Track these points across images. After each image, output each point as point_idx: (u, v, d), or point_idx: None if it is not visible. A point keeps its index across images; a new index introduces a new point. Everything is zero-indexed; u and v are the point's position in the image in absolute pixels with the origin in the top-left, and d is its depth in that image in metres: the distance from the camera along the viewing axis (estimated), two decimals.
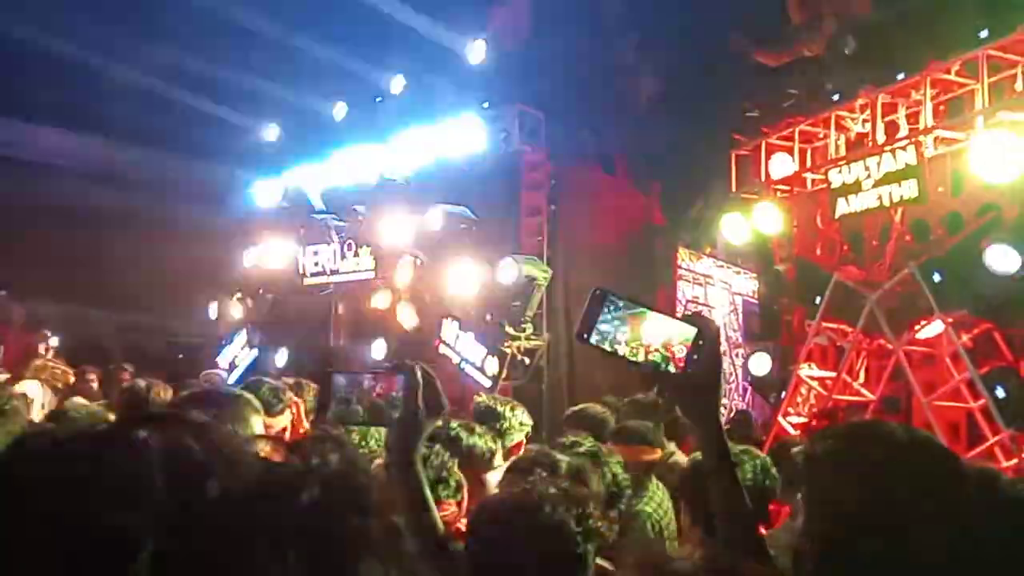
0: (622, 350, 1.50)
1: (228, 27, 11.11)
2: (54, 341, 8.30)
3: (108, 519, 0.63)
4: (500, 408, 3.59)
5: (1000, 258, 5.91)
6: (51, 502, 0.64)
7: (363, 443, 3.49)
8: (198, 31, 11.33)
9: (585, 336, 1.52)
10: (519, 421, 3.58)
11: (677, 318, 1.52)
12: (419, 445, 1.80)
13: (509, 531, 1.67)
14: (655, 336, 1.49)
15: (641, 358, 1.48)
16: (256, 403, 2.02)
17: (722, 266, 11.94)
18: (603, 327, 1.51)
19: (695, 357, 1.47)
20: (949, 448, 1.64)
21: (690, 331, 1.49)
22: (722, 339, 12.03)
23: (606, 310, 1.51)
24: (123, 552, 0.62)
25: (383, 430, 2.67)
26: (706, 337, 1.48)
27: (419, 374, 1.80)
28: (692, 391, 1.50)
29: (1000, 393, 6.16)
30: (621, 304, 1.51)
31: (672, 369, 1.47)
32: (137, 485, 0.65)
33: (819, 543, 1.47)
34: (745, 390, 11.16)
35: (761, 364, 8.32)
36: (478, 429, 3.06)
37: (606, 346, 1.51)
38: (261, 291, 11.13)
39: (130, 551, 0.63)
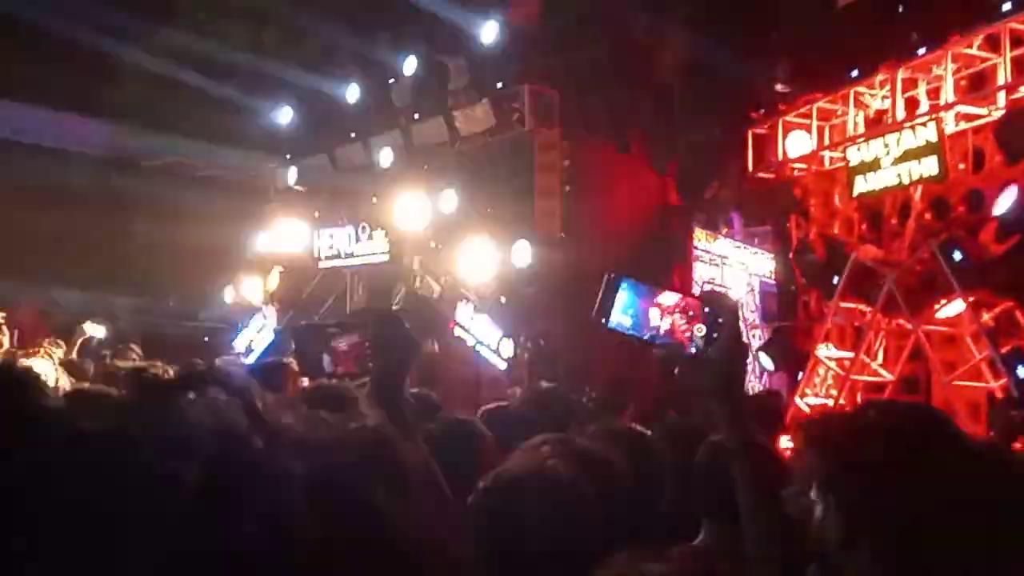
0: (640, 332, 1.50)
1: (240, 9, 11.10)
2: (99, 331, 7.93)
3: (157, 467, 0.67)
4: None
5: None
6: (111, 452, 0.69)
7: None
8: (211, 13, 11.32)
9: (604, 320, 1.53)
10: None
11: (694, 297, 1.50)
12: (400, 390, 1.78)
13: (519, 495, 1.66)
14: (674, 316, 1.48)
15: (659, 339, 1.48)
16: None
17: (739, 247, 11.82)
18: (621, 309, 1.51)
19: (713, 335, 1.45)
20: (961, 429, 1.60)
21: (707, 310, 1.47)
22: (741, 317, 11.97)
23: (623, 293, 1.51)
24: (173, 491, 0.66)
25: None
26: (723, 315, 1.46)
27: (380, 323, 1.78)
28: (711, 370, 1.47)
29: (1021, 372, 6.08)
30: (637, 287, 1.51)
31: (692, 349, 1.46)
32: (185, 437, 0.70)
33: (839, 535, 1.43)
34: (763, 371, 11.09)
35: (766, 362, 8.37)
36: None
37: (625, 329, 1.51)
38: (279, 272, 11.14)
39: (180, 491, 0.66)
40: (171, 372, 3.52)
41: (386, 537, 0.70)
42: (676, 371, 1.55)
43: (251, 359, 9.83)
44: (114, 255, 11.53)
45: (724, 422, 1.49)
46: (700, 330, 1.46)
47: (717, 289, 10.69)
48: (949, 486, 1.35)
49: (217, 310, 11.87)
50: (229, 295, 11.55)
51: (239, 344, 10.39)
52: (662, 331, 1.49)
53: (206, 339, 11.04)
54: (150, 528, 0.63)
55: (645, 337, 1.51)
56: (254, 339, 10.29)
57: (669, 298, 1.51)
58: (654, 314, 1.50)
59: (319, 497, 0.65)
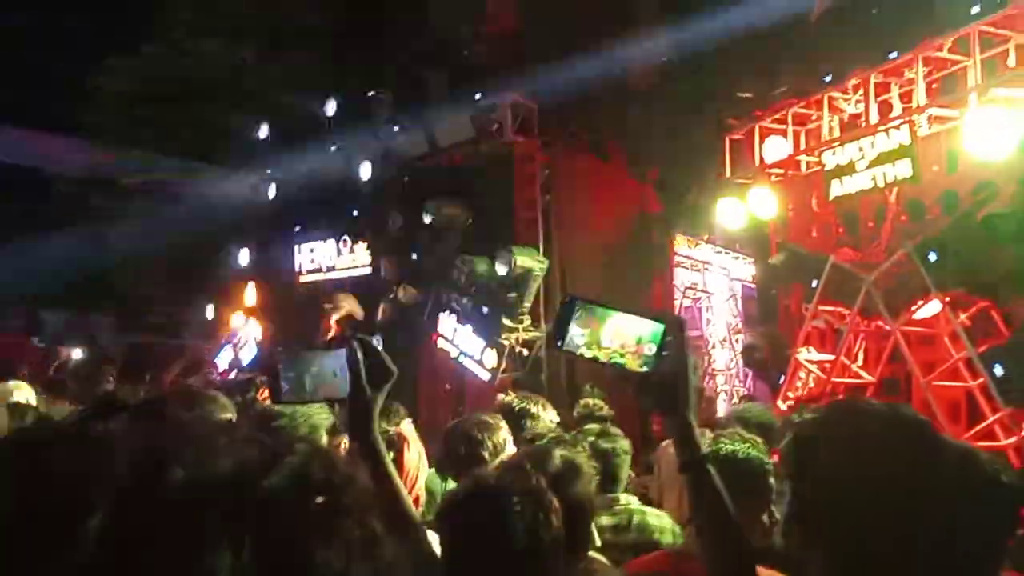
0: (594, 352, 1.51)
1: (218, 27, 11.09)
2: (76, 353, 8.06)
3: (63, 494, 0.72)
4: (532, 408, 3.59)
5: None
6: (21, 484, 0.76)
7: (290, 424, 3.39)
8: (189, 32, 11.30)
9: (559, 343, 1.55)
10: (550, 419, 3.59)
11: (646, 315, 1.52)
12: (374, 420, 1.77)
13: (462, 518, 1.68)
14: (626, 335, 1.50)
15: (613, 359, 1.49)
16: (225, 401, 2.01)
17: (720, 252, 11.91)
18: (576, 332, 1.53)
19: (664, 353, 1.48)
20: (932, 424, 1.61)
21: (658, 327, 1.49)
22: (719, 329, 12.02)
23: (577, 315, 1.53)
24: (73, 520, 0.71)
25: (318, 412, 2.65)
26: (672, 332, 1.48)
27: (358, 349, 1.76)
28: (661, 387, 1.50)
29: (999, 371, 6.13)
30: (592, 308, 1.53)
31: (643, 367, 1.48)
32: (91, 468, 0.73)
33: (802, 521, 1.45)
34: (746, 375, 11.14)
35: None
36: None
37: (579, 351, 1.52)
38: (259, 289, 11.11)
39: (81, 520, 0.71)
40: (141, 394, 3.51)
41: (307, 563, 0.70)
42: (632, 390, 1.56)
43: (233, 376, 9.79)
44: (94, 274, 11.46)
45: (675, 437, 1.51)
46: (651, 348, 1.49)
47: (699, 297, 10.74)
48: (905, 490, 1.36)
49: (199, 326, 11.81)
50: (211, 311, 11.48)
51: (222, 360, 10.33)
52: (614, 350, 1.51)
53: (188, 357, 10.95)
54: (60, 554, 0.63)
55: (599, 358, 1.52)
56: (236, 356, 10.23)
57: (623, 318, 1.53)
58: (607, 334, 1.52)
59: (236, 523, 0.65)
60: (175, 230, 11.31)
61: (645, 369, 1.49)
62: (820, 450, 1.44)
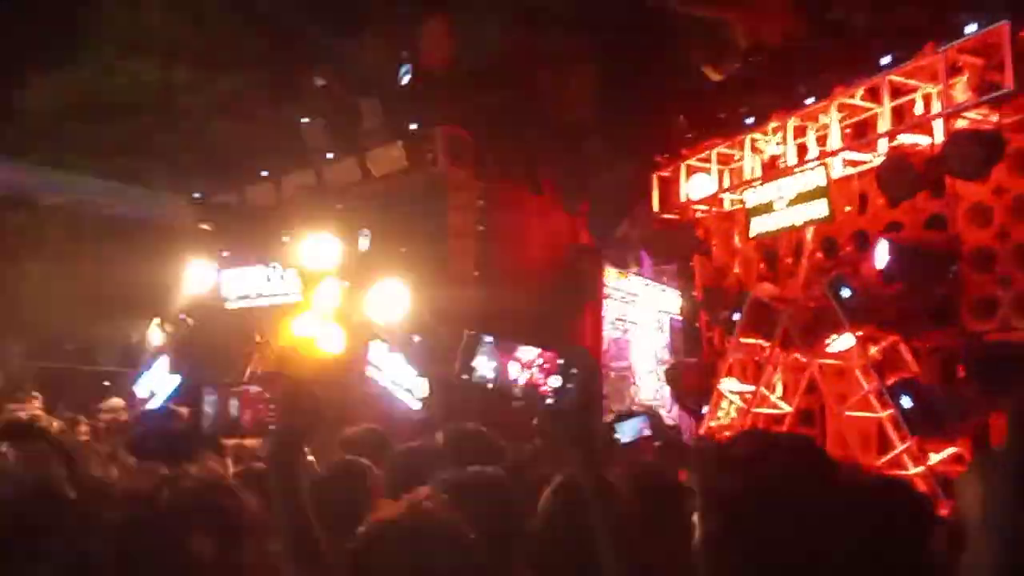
0: (498, 385, 1.56)
1: (149, 47, 10.89)
2: None
3: None
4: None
5: None
6: None
7: None
8: (119, 50, 11.07)
9: (466, 376, 1.59)
10: None
11: (551, 351, 1.58)
12: (299, 457, 1.78)
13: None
14: (531, 370, 1.55)
15: (517, 392, 1.55)
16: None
17: (648, 284, 12.16)
18: (482, 365, 1.57)
19: (568, 385, 1.54)
20: (827, 453, 1.70)
21: (562, 361, 1.55)
22: (646, 360, 12.26)
23: (483, 350, 1.58)
24: None
25: None
26: (577, 365, 1.54)
27: (291, 386, 1.78)
28: (564, 418, 1.55)
29: (906, 402, 6.43)
30: (498, 342, 1.58)
31: (549, 400, 1.53)
32: None
33: (708, 537, 1.50)
34: (672, 406, 11.34)
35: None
36: None
37: (485, 383, 1.57)
38: (182, 316, 10.84)
39: None
40: (60, 421, 3.39)
41: None
42: (534, 420, 1.62)
43: (155, 403, 9.49)
44: (6, 297, 11.00)
45: (579, 465, 1.56)
46: (556, 381, 1.55)
47: (628, 328, 10.94)
48: (807, 518, 1.42)
49: (118, 353, 11.43)
50: (132, 337, 11.13)
51: (141, 389, 10.01)
52: (521, 383, 1.57)
53: (106, 383, 10.57)
54: None
55: (504, 390, 1.58)
56: (157, 383, 9.93)
57: (528, 352, 1.59)
58: (514, 368, 1.58)
59: (129, 546, 0.66)
60: (96, 254, 10.96)
61: (550, 402, 1.55)
62: (726, 477, 1.52)
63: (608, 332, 11.40)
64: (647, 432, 2.78)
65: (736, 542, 1.45)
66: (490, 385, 1.37)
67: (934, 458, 6.44)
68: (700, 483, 1.57)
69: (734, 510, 1.46)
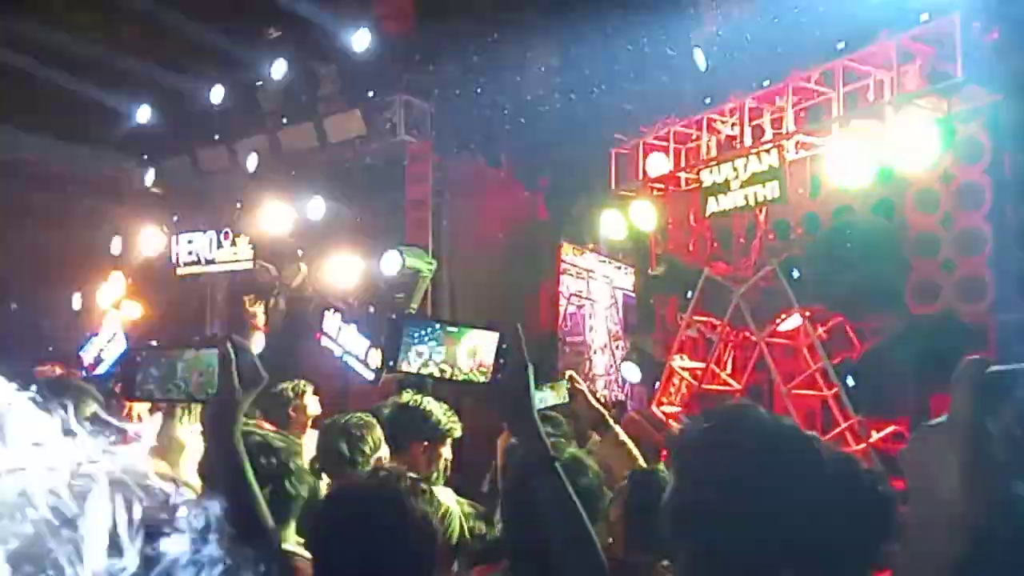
0: (431, 369, 1.52)
1: (99, 1, 10.52)
2: None
3: None
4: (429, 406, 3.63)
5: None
6: None
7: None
8: (66, 3, 10.66)
9: (391, 364, 1.54)
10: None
11: (479, 327, 1.55)
12: (238, 422, 1.74)
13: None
14: (469, 350, 1.52)
15: (454, 375, 1.51)
16: (96, 393, 1.96)
17: (604, 261, 12.27)
18: (418, 351, 1.52)
19: (502, 363, 1.51)
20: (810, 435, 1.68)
21: (494, 336, 1.52)
22: (600, 335, 12.40)
23: (416, 335, 1.53)
24: None
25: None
26: (508, 341, 1.52)
27: (230, 348, 1.72)
28: (502, 397, 1.54)
29: (850, 382, 6.63)
30: (431, 326, 1.53)
31: (483, 378, 1.50)
32: None
33: (680, 520, 1.48)
34: (624, 381, 11.51)
35: (631, 372, 8.75)
36: None
37: (418, 369, 1.52)
38: (131, 280, 10.61)
39: None
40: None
41: None
42: (485, 401, 1.60)
43: (100, 369, 9.30)
44: None
45: (522, 440, 1.56)
46: (489, 358, 1.51)
47: (584, 304, 11.02)
48: (782, 495, 1.39)
49: (64, 318, 11.16)
50: (77, 302, 10.88)
51: (88, 355, 9.80)
52: (453, 365, 1.53)
53: (51, 349, 10.32)
54: None
55: (435, 374, 1.53)
56: (104, 349, 9.72)
57: (462, 332, 1.55)
58: (441, 350, 1.54)
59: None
60: (42, 215, 10.64)
61: (484, 380, 1.52)
62: (706, 451, 1.47)
63: (564, 307, 11.49)
64: (551, 401, 2.92)
65: (714, 519, 1.42)
66: (419, 370, 1.35)
67: (875, 436, 6.66)
68: (681, 458, 1.53)
69: (715, 488, 1.42)
